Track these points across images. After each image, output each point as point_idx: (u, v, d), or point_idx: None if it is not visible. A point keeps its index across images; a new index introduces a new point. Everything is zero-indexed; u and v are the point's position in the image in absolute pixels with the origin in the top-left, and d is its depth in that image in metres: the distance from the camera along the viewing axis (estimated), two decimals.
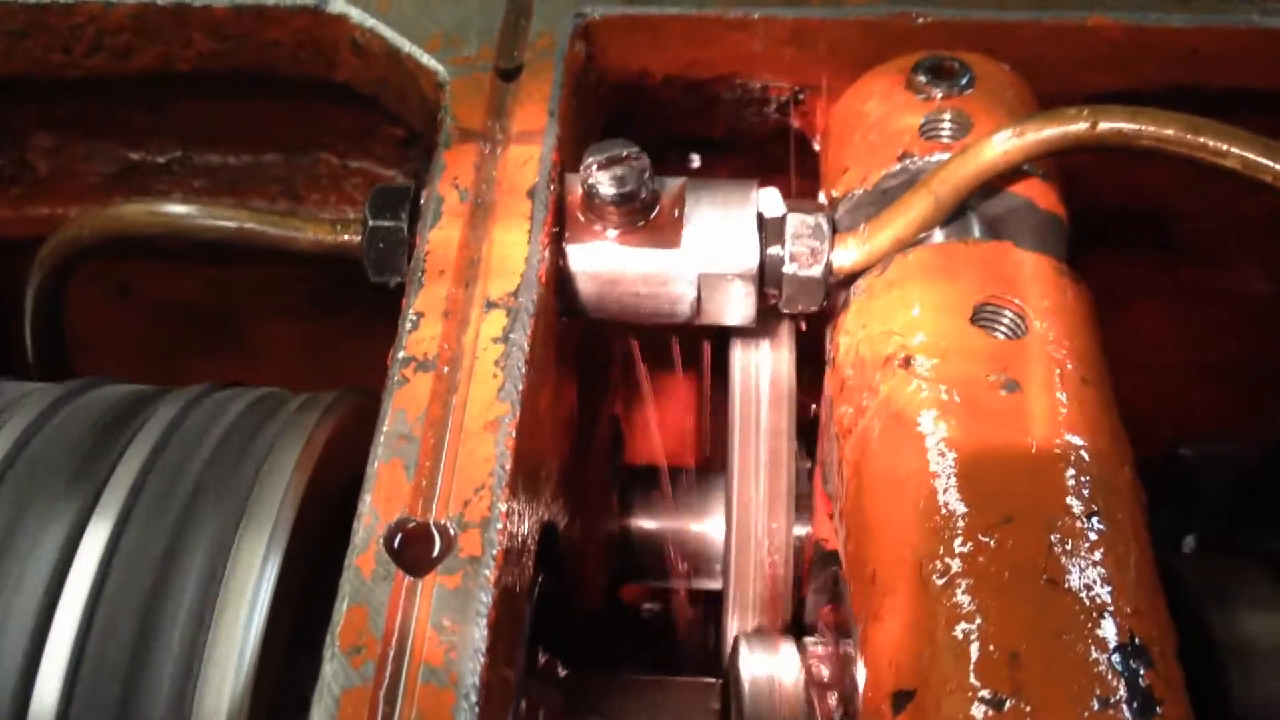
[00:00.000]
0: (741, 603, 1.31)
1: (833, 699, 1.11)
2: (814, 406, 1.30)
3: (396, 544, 0.91)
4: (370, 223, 1.21)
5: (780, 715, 1.10)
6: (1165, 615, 0.90)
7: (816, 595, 1.23)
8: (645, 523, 1.53)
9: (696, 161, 1.57)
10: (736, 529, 1.30)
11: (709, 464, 1.57)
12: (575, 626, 1.36)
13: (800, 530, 1.32)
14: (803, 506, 1.32)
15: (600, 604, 1.53)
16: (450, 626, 0.87)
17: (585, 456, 1.40)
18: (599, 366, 1.49)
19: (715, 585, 1.45)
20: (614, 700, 1.18)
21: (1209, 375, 1.77)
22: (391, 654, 0.86)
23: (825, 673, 1.13)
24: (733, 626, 1.31)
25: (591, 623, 1.50)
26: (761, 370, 1.29)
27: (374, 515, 0.93)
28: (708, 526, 1.49)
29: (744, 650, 1.16)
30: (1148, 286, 1.70)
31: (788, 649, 1.16)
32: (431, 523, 0.92)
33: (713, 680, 1.23)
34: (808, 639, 1.17)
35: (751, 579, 1.31)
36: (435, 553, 0.91)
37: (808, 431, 1.32)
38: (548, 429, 1.13)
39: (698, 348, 1.42)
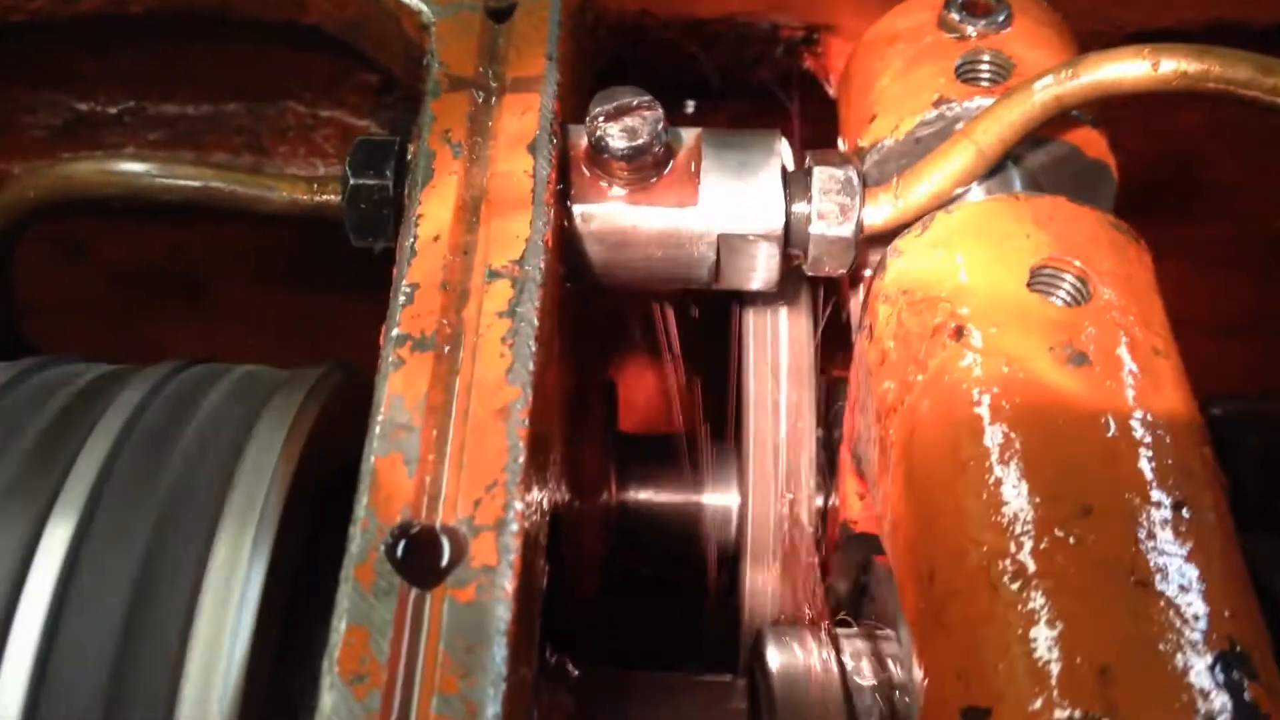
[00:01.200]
0: (759, 590, 1.21)
1: (871, 697, 1.02)
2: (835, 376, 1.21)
3: (399, 552, 0.80)
4: (351, 181, 1.09)
5: (815, 716, 1.01)
6: (1259, 617, 0.81)
7: (846, 583, 1.14)
8: (646, 495, 1.43)
9: (690, 107, 1.46)
10: (753, 511, 1.20)
11: (709, 433, 1.47)
12: (574, 611, 1.26)
13: (819, 501, 1.23)
14: (824, 485, 1.22)
15: (599, 585, 1.43)
16: (465, 647, 0.76)
17: (580, 428, 1.30)
18: (593, 329, 1.39)
19: (725, 563, 1.35)
20: (629, 701, 1.09)
21: (1234, 332, 1.69)
22: (400, 682, 0.75)
23: (862, 669, 1.03)
24: (750, 617, 1.21)
25: (590, 604, 1.40)
26: (780, 337, 1.19)
27: (372, 519, 0.81)
28: (716, 501, 1.39)
29: (770, 645, 1.06)
30: (1171, 241, 1.62)
31: (817, 643, 1.06)
32: (439, 526, 0.81)
33: (731, 677, 1.14)
34: (839, 631, 1.08)
35: (769, 563, 1.21)
36: (444, 561, 0.79)
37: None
38: (555, 408, 1.03)
39: (705, 310, 1.32)
